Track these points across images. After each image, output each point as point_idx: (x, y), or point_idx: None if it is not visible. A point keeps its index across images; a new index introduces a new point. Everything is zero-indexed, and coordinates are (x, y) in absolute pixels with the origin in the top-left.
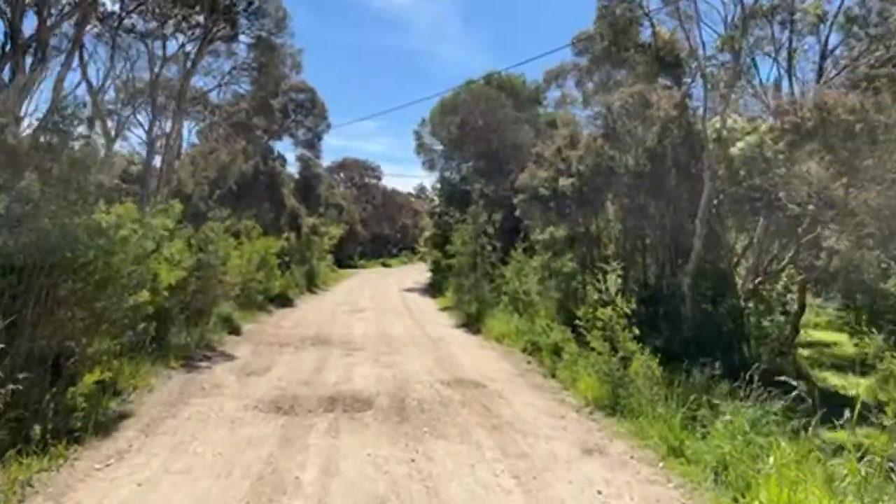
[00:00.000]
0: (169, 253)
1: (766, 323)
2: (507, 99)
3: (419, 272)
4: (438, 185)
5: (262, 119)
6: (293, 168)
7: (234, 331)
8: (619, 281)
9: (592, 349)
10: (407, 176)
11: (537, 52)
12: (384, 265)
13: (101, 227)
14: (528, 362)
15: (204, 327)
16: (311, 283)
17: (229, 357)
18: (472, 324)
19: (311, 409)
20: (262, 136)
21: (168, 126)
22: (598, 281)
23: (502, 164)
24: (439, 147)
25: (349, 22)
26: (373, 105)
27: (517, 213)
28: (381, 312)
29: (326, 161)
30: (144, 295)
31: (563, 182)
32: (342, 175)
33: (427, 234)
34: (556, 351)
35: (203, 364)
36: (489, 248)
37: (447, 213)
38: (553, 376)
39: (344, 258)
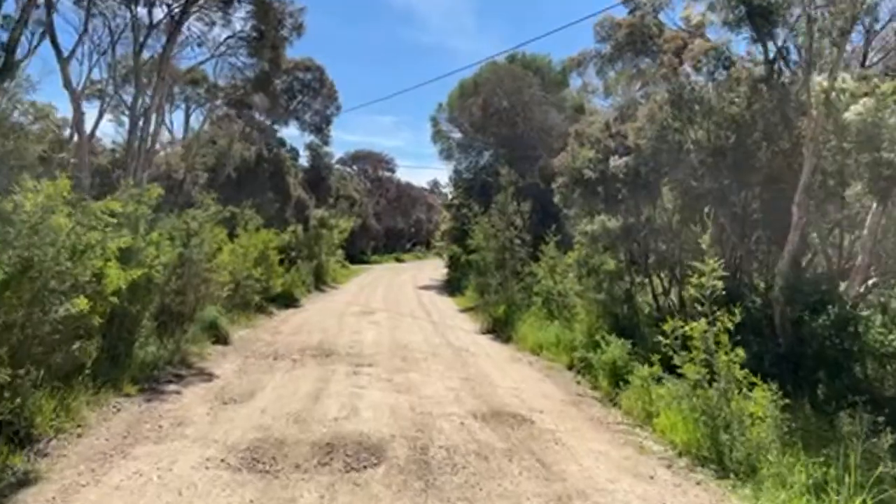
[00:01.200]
0: (116, 246)
1: (891, 337)
2: (534, 78)
3: (434, 268)
4: (455, 176)
5: (264, 98)
6: (304, 159)
7: (222, 339)
8: (720, 284)
9: (680, 375)
10: (423, 167)
11: (554, 43)
12: (398, 260)
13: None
14: (578, 383)
15: (182, 336)
16: (319, 281)
17: (207, 376)
18: (500, 329)
19: (300, 463)
20: (265, 118)
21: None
22: (654, 280)
23: (528, 151)
24: (457, 135)
25: (364, 17)
26: (389, 101)
27: (556, 199)
28: (395, 315)
29: (339, 152)
30: (81, 302)
31: (616, 162)
32: (355, 167)
33: (444, 227)
34: (616, 370)
35: (170, 388)
36: (518, 241)
37: (466, 206)
38: (614, 403)
39: (356, 253)
